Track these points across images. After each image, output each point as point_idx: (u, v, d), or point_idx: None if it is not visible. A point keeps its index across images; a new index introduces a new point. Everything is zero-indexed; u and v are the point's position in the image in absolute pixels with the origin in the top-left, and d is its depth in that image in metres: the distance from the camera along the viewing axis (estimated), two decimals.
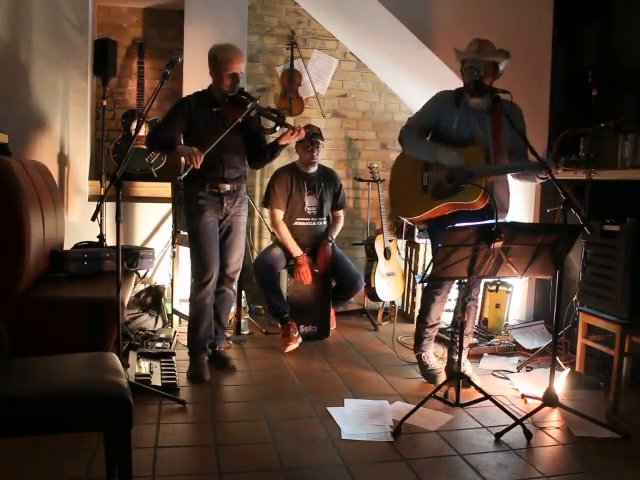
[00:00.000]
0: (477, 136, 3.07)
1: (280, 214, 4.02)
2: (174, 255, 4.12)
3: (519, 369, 3.49)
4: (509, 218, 3.23)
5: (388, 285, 4.43)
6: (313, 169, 4.08)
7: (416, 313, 4.54)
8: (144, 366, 3.18)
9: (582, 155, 2.73)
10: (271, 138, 3.42)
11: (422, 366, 3.35)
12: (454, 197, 3.02)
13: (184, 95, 3.82)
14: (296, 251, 3.96)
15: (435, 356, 3.38)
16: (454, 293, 3.44)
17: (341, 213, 4.27)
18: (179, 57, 2.90)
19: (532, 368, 3.49)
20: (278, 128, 3.21)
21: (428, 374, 3.30)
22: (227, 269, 3.34)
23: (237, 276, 3.45)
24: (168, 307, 4.19)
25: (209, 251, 3.21)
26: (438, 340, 4.06)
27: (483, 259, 2.62)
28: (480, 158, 3.01)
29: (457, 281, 3.23)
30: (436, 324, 3.32)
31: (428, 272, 2.62)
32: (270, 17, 4.77)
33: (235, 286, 3.49)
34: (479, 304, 3.90)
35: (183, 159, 3.30)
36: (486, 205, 2.98)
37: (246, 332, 4.13)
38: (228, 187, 3.24)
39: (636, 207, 3.11)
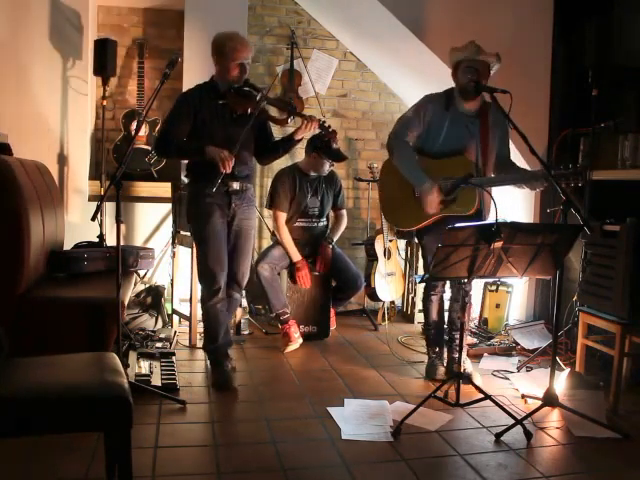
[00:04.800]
0: (467, 141, 3.09)
1: (283, 217, 4.01)
2: (174, 255, 4.12)
3: (519, 369, 3.49)
4: (506, 218, 3.24)
5: (388, 285, 4.43)
6: (317, 174, 4.08)
7: (416, 313, 4.58)
8: (144, 366, 3.18)
9: (571, 167, 2.76)
10: (278, 130, 3.32)
11: (427, 362, 3.39)
12: (449, 209, 3.05)
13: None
14: (296, 256, 3.96)
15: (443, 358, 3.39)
16: (448, 293, 3.45)
17: (344, 212, 4.26)
18: (179, 57, 2.88)
19: (532, 368, 3.49)
20: (290, 119, 3.09)
21: (429, 367, 3.33)
22: (236, 276, 3.22)
23: (245, 282, 3.31)
24: (168, 307, 4.19)
25: (217, 259, 3.08)
26: None
27: (483, 259, 2.62)
28: (470, 168, 3.03)
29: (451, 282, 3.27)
30: (439, 323, 3.34)
31: (427, 274, 2.62)
32: (270, 17, 4.77)
33: (242, 291, 3.37)
34: (478, 304, 3.91)
35: (186, 162, 3.21)
36: (476, 211, 3.03)
37: (246, 332, 4.13)
38: (237, 185, 3.09)
39: (636, 207, 3.11)
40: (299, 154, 4.70)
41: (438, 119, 3.09)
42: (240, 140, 2.92)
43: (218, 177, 2.91)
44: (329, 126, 3.12)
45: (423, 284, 3.41)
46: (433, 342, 3.36)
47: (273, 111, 3.37)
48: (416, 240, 4.51)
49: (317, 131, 3.13)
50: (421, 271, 4.50)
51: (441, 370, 3.29)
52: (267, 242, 4.67)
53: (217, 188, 2.97)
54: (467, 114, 3.11)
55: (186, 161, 3.33)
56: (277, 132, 3.41)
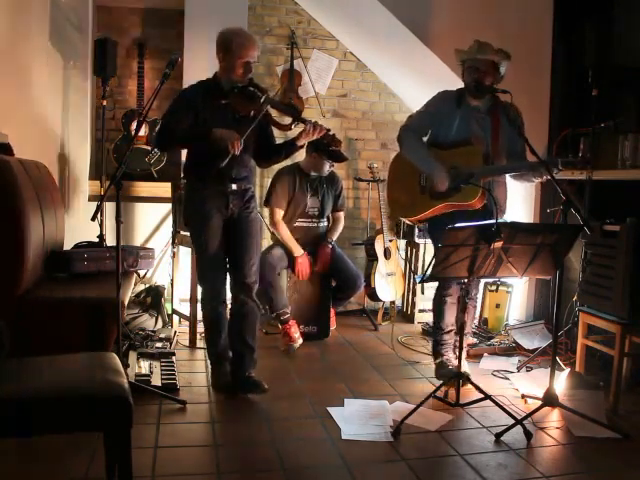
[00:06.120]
0: (477, 137, 3.08)
1: (280, 213, 4.01)
2: (174, 255, 4.12)
3: (519, 369, 3.49)
4: (508, 219, 3.24)
5: (388, 285, 4.43)
6: (317, 174, 4.08)
7: (416, 313, 4.57)
8: (144, 366, 3.18)
9: (580, 156, 2.76)
10: (279, 133, 3.24)
11: (443, 373, 3.19)
12: (453, 198, 3.02)
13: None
14: (297, 250, 3.96)
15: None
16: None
17: (341, 215, 4.27)
18: (179, 57, 2.84)
19: (532, 368, 3.49)
20: (294, 125, 3.00)
21: (441, 369, 3.21)
22: (240, 273, 3.03)
23: (252, 282, 3.06)
24: (168, 307, 4.19)
25: (215, 264, 3.03)
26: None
27: (483, 259, 2.62)
28: (478, 158, 3.03)
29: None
30: (452, 329, 3.22)
31: (428, 272, 2.62)
32: (270, 17, 4.77)
33: (253, 297, 3.09)
34: (479, 304, 3.90)
35: (185, 153, 3.13)
36: (484, 205, 3.00)
37: None
38: (235, 186, 3.00)
39: (636, 207, 3.11)
40: (299, 153, 4.70)
41: (449, 115, 3.10)
42: (246, 133, 2.81)
43: (226, 156, 2.78)
44: (334, 134, 3.01)
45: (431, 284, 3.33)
46: (444, 348, 3.21)
47: (275, 114, 3.31)
48: (417, 240, 4.54)
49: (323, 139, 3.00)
50: (421, 271, 4.52)
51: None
52: (267, 242, 4.67)
53: (216, 188, 2.95)
54: (478, 111, 3.11)
55: (184, 161, 3.21)
56: (277, 134, 3.36)
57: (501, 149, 3.11)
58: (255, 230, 3.11)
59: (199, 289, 3.20)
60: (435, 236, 3.23)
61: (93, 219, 2.67)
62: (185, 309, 4.03)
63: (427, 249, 4.53)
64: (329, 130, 3.00)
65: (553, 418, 2.82)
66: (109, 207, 3.89)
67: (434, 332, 3.32)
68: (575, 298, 3.50)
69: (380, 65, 4.89)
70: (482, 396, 2.78)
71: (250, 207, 3.11)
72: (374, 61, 4.90)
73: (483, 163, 3.03)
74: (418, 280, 4.44)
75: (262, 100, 2.87)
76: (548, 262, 2.71)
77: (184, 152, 3.21)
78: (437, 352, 3.28)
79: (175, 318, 4.17)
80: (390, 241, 4.43)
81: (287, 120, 3.05)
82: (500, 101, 2.99)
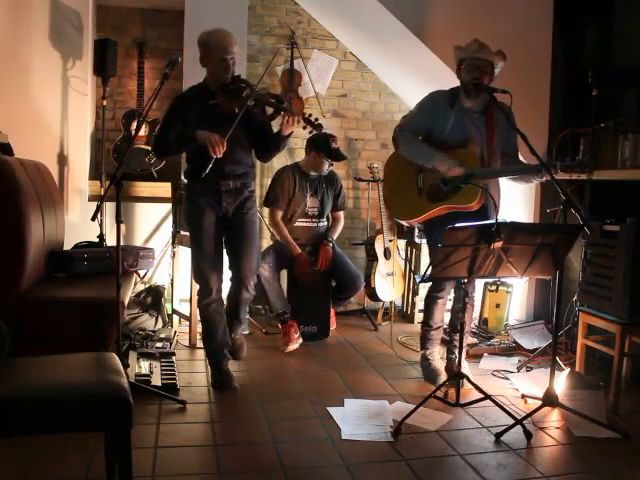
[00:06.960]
0: (471, 138, 3.07)
1: (279, 214, 4.01)
2: (174, 255, 4.11)
3: (519, 369, 3.49)
4: (506, 218, 3.23)
5: (388, 285, 4.43)
6: (317, 173, 4.08)
7: (416, 313, 4.57)
8: (144, 366, 3.18)
9: (578, 159, 2.76)
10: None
11: (424, 365, 3.33)
12: (451, 200, 3.02)
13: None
14: (295, 250, 3.96)
15: (440, 358, 3.36)
16: (452, 293, 3.44)
17: (341, 214, 4.28)
18: (179, 57, 2.86)
19: (532, 368, 3.49)
20: (277, 115, 3.01)
21: (429, 373, 3.28)
22: (238, 273, 3.12)
23: (251, 279, 3.15)
24: (168, 307, 4.19)
25: (208, 260, 3.07)
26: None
27: (483, 259, 2.62)
28: (475, 160, 3.03)
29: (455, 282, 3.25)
30: (440, 326, 3.32)
31: (428, 272, 2.62)
32: (270, 17, 4.77)
33: (252, 290, 3.21)
34: (478, 303, 3.90)
35: (185, 158, 3.18)
36: (481, 206, 3.00)
37: (246, 332, 4.12)
38: (229, 184, 3.04)
39: (636, 207, 3.11)
40: (299, 153, 4.70)
41: (442, 115, 3.09)
42: (227, 136, 2.84)
43: (209, 162, 2.84)
44: (316, 119, 3.00)
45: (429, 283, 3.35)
46: (430, 343, 3.32)
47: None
48: (417, 240, 4.54)
49: (303, 125, 3.01)
50: (421, 271, 4.51)
51: (442, 376, 3.23)
52: (267, 242, 4.67)
53: (209, 186, 2.99)
54: (472, 111, 3.10)
55: (184, 161, 3.26)
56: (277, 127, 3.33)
57: (496, 150, 3.11)
58: (253, 232, 3.16)
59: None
60: (432, 236, 3.24)
61: (93, 219, 2.67)
62: (185, 309, 4.03)
63: (427, 249, 4.52)
64: (305, 114, 2.98)
65: (553, 418, 2.82)
66: (109, 207, 3.89)
67: (423, 327, 3.38)
68: (575, 298, 3.50)
69: (380, 65, 4.89)
70: (482, 396, 2.78)
71: (245, 207, 3.13)
72: (374, 61, 4.90)
73: (480, 165, 3.03)
74: (418, 280, 4.44)
75: (244, 95, 2.89)
76: (548, 262, 2.71)
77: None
78: (423, 345, 3.37)
79: (175, 318, 4.17)
80: (390, 241, 4.43)
81: (270, 112, 3.06)
82: (496, 101, 3.00)
